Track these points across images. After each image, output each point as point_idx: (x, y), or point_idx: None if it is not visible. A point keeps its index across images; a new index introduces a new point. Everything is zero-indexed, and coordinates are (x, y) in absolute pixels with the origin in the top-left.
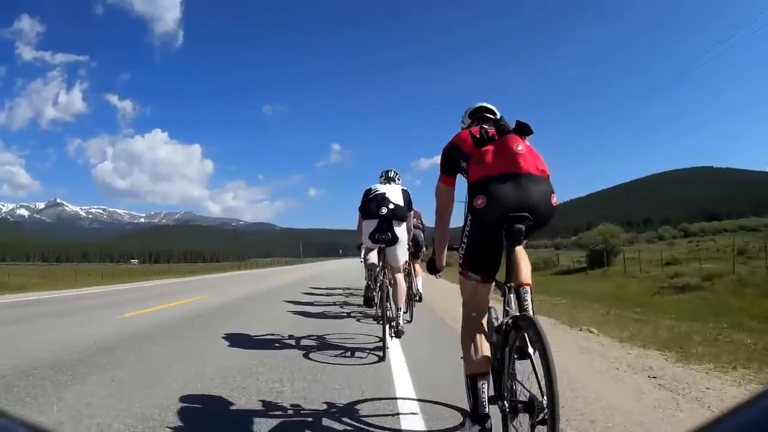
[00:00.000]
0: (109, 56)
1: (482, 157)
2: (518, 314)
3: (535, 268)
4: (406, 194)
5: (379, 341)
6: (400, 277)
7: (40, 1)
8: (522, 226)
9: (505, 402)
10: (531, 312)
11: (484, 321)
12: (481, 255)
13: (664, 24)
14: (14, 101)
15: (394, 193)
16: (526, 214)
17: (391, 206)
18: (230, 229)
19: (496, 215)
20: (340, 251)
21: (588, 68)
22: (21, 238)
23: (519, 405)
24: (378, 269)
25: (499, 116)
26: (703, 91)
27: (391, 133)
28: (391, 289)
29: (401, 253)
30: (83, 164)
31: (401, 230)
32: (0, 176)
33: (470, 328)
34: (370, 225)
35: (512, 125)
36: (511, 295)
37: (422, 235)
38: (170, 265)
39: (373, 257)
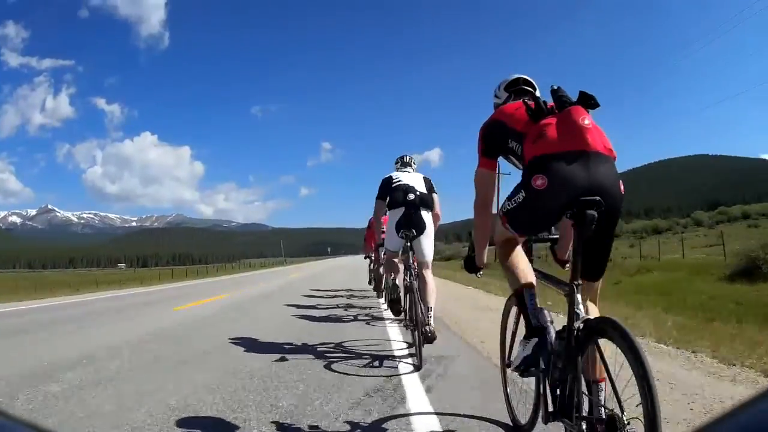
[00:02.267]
0: (96, 60)
1: (542, 131)
2: (594, 317)
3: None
4: (428, 182)
5: (410, 347)
6: (429, 273)
7: (25, 7)
8: (595, 213)
9: (579, 421)
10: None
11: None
12: (528, 222)
13: (655, 9)
14: (1, 108)
15: (417, 182)
16: (599, 198)
17: (418, 193)
18: (222, 231)
19: (562, 199)
20: (329, 250)
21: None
22: (12, 246)
23: (597, 425)
24: (404, 267)
25: (556, 87)
26: (694, 79)
27: (381, 129)
28: (418, 288)
29: (429, 245)
30: (73, 169)
31: (429, 219)
32: None
33: (506, 249)
34: (396, 214)
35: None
36: (579, 296)
37: None
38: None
39: (397, 262)
